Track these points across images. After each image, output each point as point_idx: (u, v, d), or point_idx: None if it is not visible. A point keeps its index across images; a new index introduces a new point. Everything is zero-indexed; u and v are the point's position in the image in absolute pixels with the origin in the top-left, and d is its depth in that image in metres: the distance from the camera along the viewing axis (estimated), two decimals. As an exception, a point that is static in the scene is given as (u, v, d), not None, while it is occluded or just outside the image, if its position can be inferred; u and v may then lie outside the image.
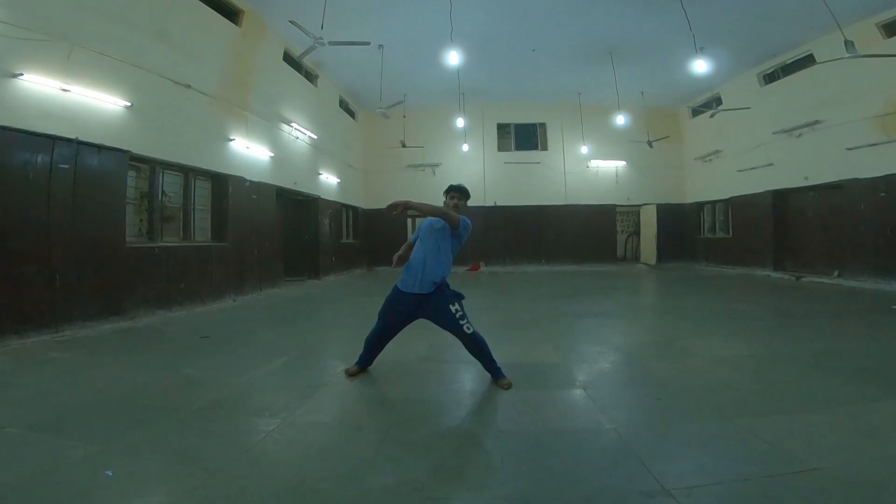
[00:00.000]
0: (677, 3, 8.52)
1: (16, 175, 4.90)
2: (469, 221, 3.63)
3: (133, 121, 6.31)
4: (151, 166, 6.85)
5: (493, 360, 3.67)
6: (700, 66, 8.71)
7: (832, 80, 10.25)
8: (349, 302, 8.56)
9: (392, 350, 4.09)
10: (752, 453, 2.48)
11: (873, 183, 9.56)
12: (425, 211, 3.50)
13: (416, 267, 3.59)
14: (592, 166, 16.27)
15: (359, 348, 4.04)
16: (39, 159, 5.10)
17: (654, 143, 14.25)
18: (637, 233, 18.08)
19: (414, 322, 3.79)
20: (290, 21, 7.37)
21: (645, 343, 5.10)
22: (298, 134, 11.36)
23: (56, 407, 3.18)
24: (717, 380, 3.81)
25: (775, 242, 12.56)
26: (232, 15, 8.54)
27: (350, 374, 3.88)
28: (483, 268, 15.75)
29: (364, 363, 3.96)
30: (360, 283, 12.65)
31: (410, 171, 16.17)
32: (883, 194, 9.40)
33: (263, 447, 2.62)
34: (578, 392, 3.56)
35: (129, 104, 6.20)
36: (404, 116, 14.33)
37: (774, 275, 12.20)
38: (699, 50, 8.83)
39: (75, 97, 5.57)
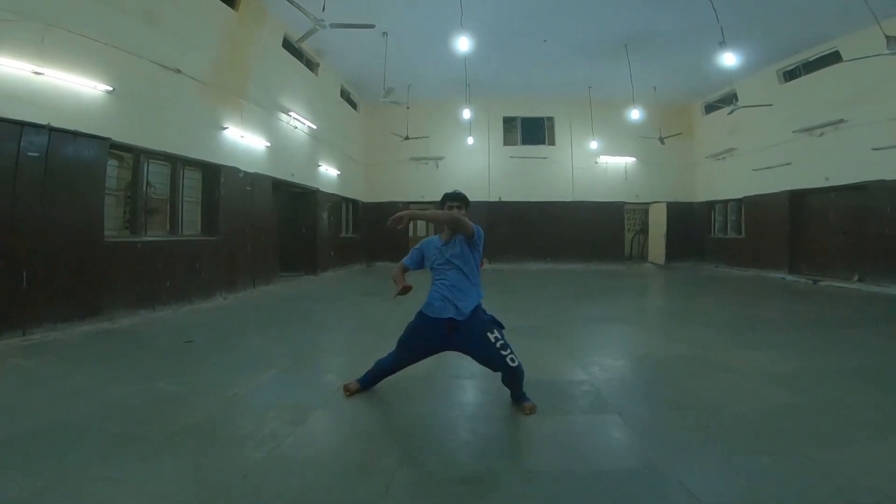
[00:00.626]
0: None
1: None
2: (480, 229, 3.13)
3: (115, 106, 5.78)
4: (135, 155, 6.32)
5: (521, 384, 3.17)
6: (729, 59, 8.21)
7: (858, 79, 9.79)
8: (347, 301, 8.05)
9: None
10: (835, 495, 2.00)
11: (900, 185, 9.07)
12: (435, 219, 3.01)
13: (444, 297, 3.08)
14: (601, 162, 15.75)
15: (358, 357, 3.55)
16: (4, 147, 4.56)
17: (665, 140, 13.75)
18: (644, 231, 17.57)
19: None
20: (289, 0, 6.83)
21: (676, 356, 4.59)
22: (297, 124, 10.81)
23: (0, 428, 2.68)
24: (769, 401, 3.34)
25: (791, 244, 12.07)
26: (230, -1, 8.00)
27: (349, 393, 3.37)
28: (486, 265, 15.24)
29: (367, 385, 3.44)
30: (360, 279, 12.14)
31: (413, 164, 15.65)
32: (910, 197, 8.93)
33: (244, 491, 2.14)
34: (614, 418, 3.06)
35: (110, 89, 5.68)
36: (407, 108, 13.78)
37: (789, 278, 11.71)
38: (721, 44, 8.39)
39: (49, 80, 5.03)
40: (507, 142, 16.02)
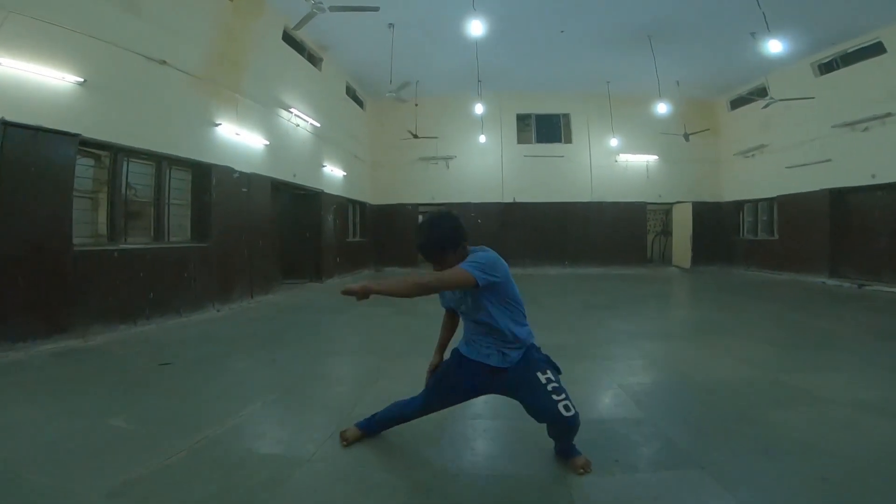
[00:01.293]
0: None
1: None
2: (483, 255, 2.24)
3: (87, 100, 5.14)
4: (112, 153, 5.66)
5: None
6: (775, 47, 7.56)
7: None
8: (354, 313, 7.31)
9: (404, 394, 2.83)
10: None
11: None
12: (396, 293, 2.05)
13: (488, 344, 2.36)
14: (621, 160, 14.91)
15: (363, 388, 2.81)
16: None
17: (690, 137, 12.93)
18: (666, 232, 16.69)
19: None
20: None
21: (742, 380, 3.79)
22: (299, 121, 10.15)
23: None
24: (874, 436, 2.63)
25: (832, 246, 11.15)
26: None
27: (346, 442, 2.62)
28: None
29: (372, 432, 2.69)
30: (367, 287, 11.40)
31: (422, 164, 14.96)
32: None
33: None
34: (697, 474, 2.29)
35: (80, 80, 5.04)
36: (416, 105, 13.13)
37: (830, 282, 10.82)
38: (755, 33, 7.69)
39: (6, 71, 4.42)
40: (520, 140, 15.25)
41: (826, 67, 11.17)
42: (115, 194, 5.66)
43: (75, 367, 4.16)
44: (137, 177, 6.06)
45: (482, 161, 14.87)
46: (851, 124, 10.36)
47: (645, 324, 6.44)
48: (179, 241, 6.69)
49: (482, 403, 3.09)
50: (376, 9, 7.01)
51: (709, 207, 14.80)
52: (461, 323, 2.55)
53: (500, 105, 14.62)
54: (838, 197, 11.06)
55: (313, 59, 10.98)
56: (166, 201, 6.47)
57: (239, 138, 7.87)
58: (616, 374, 4.04)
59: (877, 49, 9.82)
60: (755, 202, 14.03)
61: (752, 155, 13.64)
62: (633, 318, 6.84)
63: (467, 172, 14.91)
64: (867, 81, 10.06)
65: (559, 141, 15.25)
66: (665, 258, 16.58)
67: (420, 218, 14.94)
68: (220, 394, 3.49)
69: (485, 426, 2.94)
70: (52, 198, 4.72)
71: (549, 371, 2.28)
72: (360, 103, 14.28)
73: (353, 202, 13.63)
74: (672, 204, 15.40)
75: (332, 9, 6.72)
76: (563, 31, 10.49)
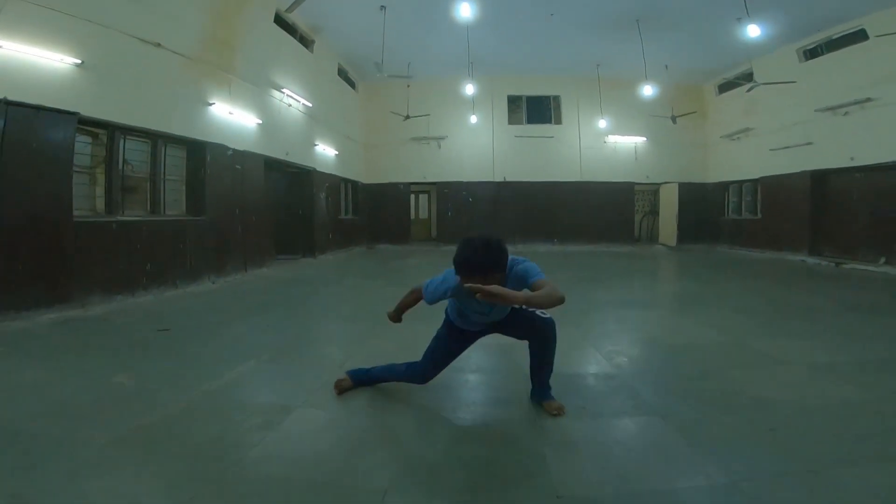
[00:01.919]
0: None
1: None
2: (532, 266, 2.42)
3: (85, 81, 5.27)
4: (109, 131, 5.78)
5: (552, 370, 2.65)
6: (753, 31, 7.68)
7: (886, 57, 9.29)
8: (346, 285, 7.51)
9: (392, 352, 3.05)
10: None
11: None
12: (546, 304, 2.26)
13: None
14: (610, 142, 15.08)
15: (354, 346, 3.00)
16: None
17: (678, 119, 13.12)
18: (653, 212, 16.98)
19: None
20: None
21: (710, 344, 4.06)
22: (291, 101, 10.20)
23: None
24: (833, 397, 2.85)
25: (812, 226, 11.48)
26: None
27: (340, 390, 2.84)
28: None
29: (362, 383, 2.91)
30: (360, 262, 11.62)
31: (414, 145, 15.02)
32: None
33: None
34: (656, 422, 2.53)
35: (79, 62, 5.16)
36: (408, 86, 13.16)
37: (810, 260, 11.16)
38: (741, 18, 7.82)
39: (7, 53, 4.53)
40: (511, 121, 15.35)
41: (811, 53, 11.34)
42: (113, 170, 5.79)
43: (77, 334, 4.34)
44: (134, 153, 6.19)
45: (474, 141, 14.97)
46: (833, 109, 10.56)
47: (626, 295, 6.72)
48: (175, 215, 6.84)
49: (466, 360, 3.32)
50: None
51: (695, 188, 15.06)
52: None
53: (491, 87, 14.67)
54: (819, 179, 11.33)
55: (305, 41, 10.99)
56: (162, 177, 6.59)
57: (232, 117, 7.95)
58: (593, 336, 4.30)
59: (860, 36, 9.95)
60: (739, 183, 14.29)
61: (738, 138, 13.86)
62: (615, 290, 7.11)
63: (459, 152, 15.01)
64: (849, 67, 10.24)
65: (550, 122, 15.38)
66: (653, 237, 16.90)
67: (413, 198, 15.09)
68: (217, 355, 3.69)
69: (468, 378, 3.17)
70: (52, 173, 4.86)
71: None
72: (352, 84, 14.29)
73: (346, 181, 13.73)
74: (659, 184, 15.64)
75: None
76: (552, 14, 10.52)
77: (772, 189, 12.78)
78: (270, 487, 1.90)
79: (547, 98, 15.44)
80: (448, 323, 2.70)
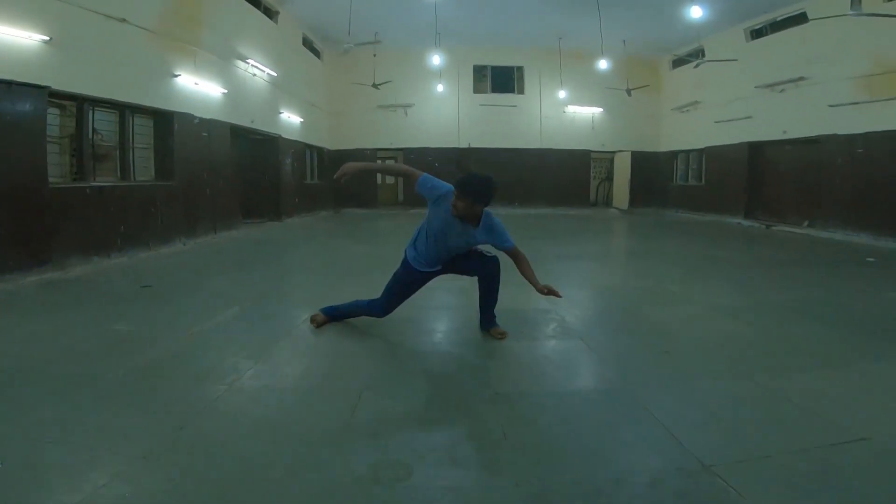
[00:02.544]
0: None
1: None
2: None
3: (54, 56, 5.38)
4: (78, 103, 5.95)
5: (496, 301, 3.25)
6: (696, 12, 8.22)
7: (822, 39, 10.00)
8: (314, 245, 7.91)
9: (361, 293, 3.55)
10: (787, 418, 2.14)
11: (851, 139, 9.43)
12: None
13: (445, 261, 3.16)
14: (569, 111, 15.69)
15: (326, 294, 3.49)
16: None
17: (632, 92, 13.75)
18: (609, 178, 17.82)
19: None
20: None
21: (635, 288, 4.77)
22: (255, 71, 10.27)
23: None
24: (722, 331, 3.52)
25: (748, 192, 12.52)
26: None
27: (317, 324, 3.34)
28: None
29: (334, 318, 3.41)
30: (326, 224, 11.98)
31: (381, 112, 15.20)
32: (861, 150, 9.30)
33: (201, 424, 2.07)
34: (577, 343, 3.17)
35: (46, 38, 5.26)
36: (374, 55, 13.23)
37: (745, 223, 12.19)
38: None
39: None
40: (476, 90, 15.73)
41: (757, 33, 12.06)
42: (83, 139, 5.99)
43: (63, 293, 4.59)
44: (103, 124, 6.36)
45: (440, 109, 15.29)
46: (771, 86, 11.38)
47: (573, 249, 7.43)
48: (145, 181, 7.03)
49: (429, 298, 3.86)
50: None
51: (647, 156, 15.92)
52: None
53: (457, 56, 14.86)
54: (755, 149, 12.29)
55: (269, 13, 10.98)
56: (131, 145, 6.78)
57: (198, 87, 8.07)
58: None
59: (801, 18, 10.61)
60: (687, 153, 15.23)
61: (687, 110, 14.70)
62: (566, 247, 7.81)
63: (425, 120, 15.29)
64: (789, 47, 10.97)
65: (513, 92, 15.83)
66: (608, 201, 17.78)
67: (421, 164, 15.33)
68: (203, 303, 4.12)
69: (429, 313, 3.73)
70: (27, 143, 5.03)
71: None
72: (317, 54, 14.31)
73: (311, 147, 13.85)
74: (614, 152, 16.40)
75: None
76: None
77: (715, 158, 13.73)
78: (271, 397, 2.39)
79: (511, 68, 15.83)
80: (405, 263, 3.19)
